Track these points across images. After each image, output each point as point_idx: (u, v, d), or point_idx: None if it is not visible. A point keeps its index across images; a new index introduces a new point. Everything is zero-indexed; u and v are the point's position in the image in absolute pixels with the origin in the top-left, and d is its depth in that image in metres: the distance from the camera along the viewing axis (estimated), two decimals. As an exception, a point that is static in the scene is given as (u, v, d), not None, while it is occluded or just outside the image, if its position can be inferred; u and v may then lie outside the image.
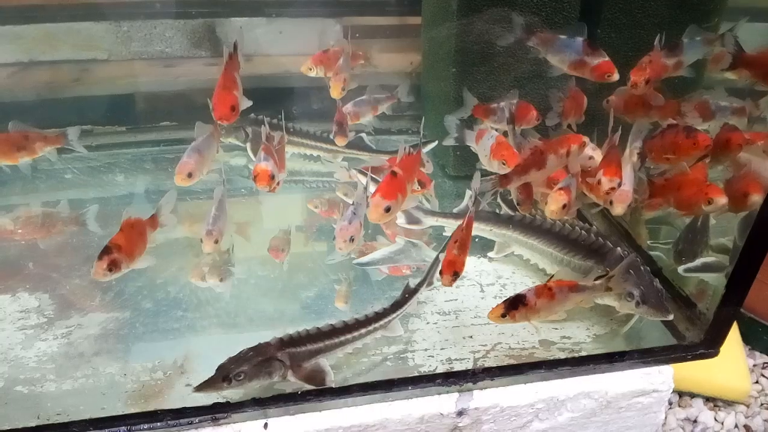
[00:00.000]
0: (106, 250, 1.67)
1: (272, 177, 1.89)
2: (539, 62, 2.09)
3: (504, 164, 1.90)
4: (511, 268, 2.28)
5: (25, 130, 2.22)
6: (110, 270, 1.66)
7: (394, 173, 1.73)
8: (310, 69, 2.29)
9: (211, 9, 2.97)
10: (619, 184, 1.88)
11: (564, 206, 1.86)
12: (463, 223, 1.72)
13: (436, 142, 2.75)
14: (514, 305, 1.66)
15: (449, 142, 2.22)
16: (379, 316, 1.84)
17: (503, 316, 1.66)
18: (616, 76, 1.92)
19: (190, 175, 1.93)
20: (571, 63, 1.97)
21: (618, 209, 1.91)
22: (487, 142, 1.98)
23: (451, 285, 1.70)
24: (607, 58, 1.93)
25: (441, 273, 1.70)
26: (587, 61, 1.95)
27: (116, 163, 2.86)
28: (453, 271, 1.67)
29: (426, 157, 2.32)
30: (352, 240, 1.81)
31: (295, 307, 2.08)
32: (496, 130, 2.09)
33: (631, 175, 1.92)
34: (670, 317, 1.85)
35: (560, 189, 1.88)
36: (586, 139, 1.96)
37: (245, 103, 1.98)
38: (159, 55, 2.99)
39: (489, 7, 2.32)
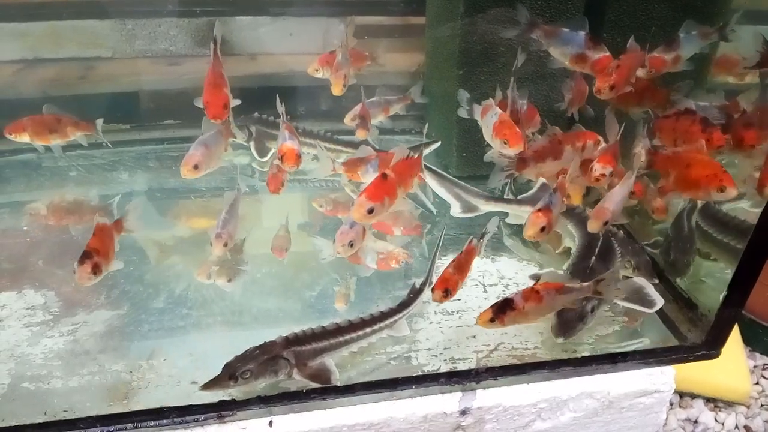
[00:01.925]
0: (86, 255, 1.67)
1: (299, 156, 1.88)
2: (542, 63, 2.10)
3: (506, 143, 1.86)
4: (513, 269, 2.29)
5: (59, 114, 2.33)
6: (94, 273, 1.66)
7: (384, 175, 1.72)
8: (317, 70, 2.28)
9: (216, 8, 2.97)
10: (611, 173, 1.84)
11: (542, 229, 1.75)
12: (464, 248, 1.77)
13: (439, 143, 2.76)
14: (503, 309, 1.65)
15: (462, 113, 2.19)
16: (384, 315, 1.86)
17: (492, 320, 1.65)
18: None
19: (196, 167, 1.91)
20: (573, 57, 1.98)
21: (594, 225, 1.83)
22: (490, 120, 1.94)
23: (441, 302, 1.73)
24: (608, 53, 1.94)
25: (433, 289, 1.72)
26: (588, 55, 1.96)
27: (120, 161, 2.86)
28: (445, 288, 1.70)
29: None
30: (351, 245, 1.80)
31: (299, 306, 2.09)
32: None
33: (618, 196, 1.84)
34: (559, 340, 1.83)
35: (538, 210, 1.76)
36: (600, 138, 1.95)
37: (233, 102, 1.97)
38: (163, 53, 2.99)
39: (493, 8, 2.34)
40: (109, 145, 2.50)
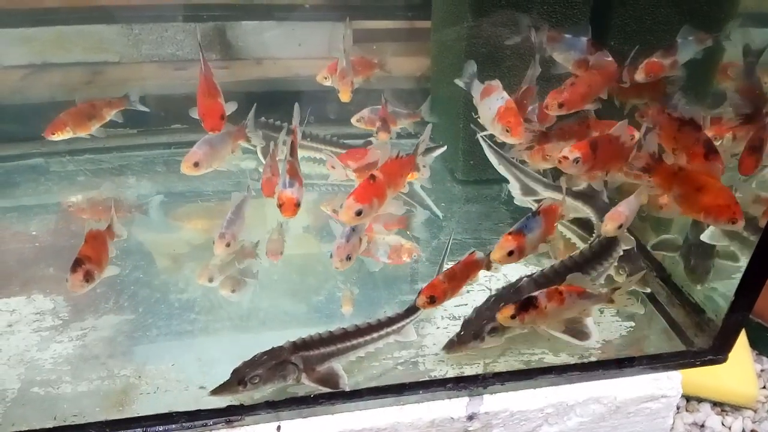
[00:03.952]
0: (78, 262, 1.66)
1: (298, 205, 1.74)
2: (547, 66, 2.10)
3: (508, 131, 1.80)
4: (519, 273, 2.28)
5: (90, 100, 2.34)
6: (86, 281, 1.66)
7: (372, 177, 1.70)
8: (326, 78, 2.28)
9: (222, 12, 2.99)
10: (576, 160, 1.70)
11: (510, 253, 1.66)
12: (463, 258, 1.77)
13: (445, 147, 2.76)
14: (525, 307, 1.64)
15: (458, 83, 2.12)
16: (391, 320, 1.86)
17: (513, 317, 1.65)
18: None
19: (196, 165, 1.90)
20: (576, 62, 1.97)
21: (609, 227, 1.76)
22: (495, 103, 1.84)
23: (424, 308, 1.72)
24: (609, 58, 1.93)
25: (418, 293, 1.72)
26: (591, 60, 1.95)
27: (128, 166, 2.88)
28: (430, 295, 1.68)
29: (423, 162, 2.12)
30: (349, 258, 1.78)
31: (306, 310, 2.10)
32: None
33: (634, 204, 1.78)
34: (442, 352, 1.82)
35: (509, 234, 1.68)
36: (635, 132, 1.87)
37: (230, 108, 1.94)
38: (170, 58, 3.01)
39: (499, 12, 2.34)
40: (147, 109, 2.47)
